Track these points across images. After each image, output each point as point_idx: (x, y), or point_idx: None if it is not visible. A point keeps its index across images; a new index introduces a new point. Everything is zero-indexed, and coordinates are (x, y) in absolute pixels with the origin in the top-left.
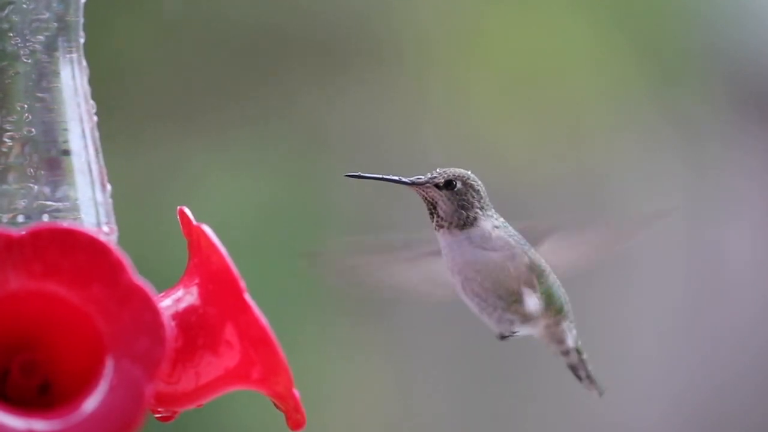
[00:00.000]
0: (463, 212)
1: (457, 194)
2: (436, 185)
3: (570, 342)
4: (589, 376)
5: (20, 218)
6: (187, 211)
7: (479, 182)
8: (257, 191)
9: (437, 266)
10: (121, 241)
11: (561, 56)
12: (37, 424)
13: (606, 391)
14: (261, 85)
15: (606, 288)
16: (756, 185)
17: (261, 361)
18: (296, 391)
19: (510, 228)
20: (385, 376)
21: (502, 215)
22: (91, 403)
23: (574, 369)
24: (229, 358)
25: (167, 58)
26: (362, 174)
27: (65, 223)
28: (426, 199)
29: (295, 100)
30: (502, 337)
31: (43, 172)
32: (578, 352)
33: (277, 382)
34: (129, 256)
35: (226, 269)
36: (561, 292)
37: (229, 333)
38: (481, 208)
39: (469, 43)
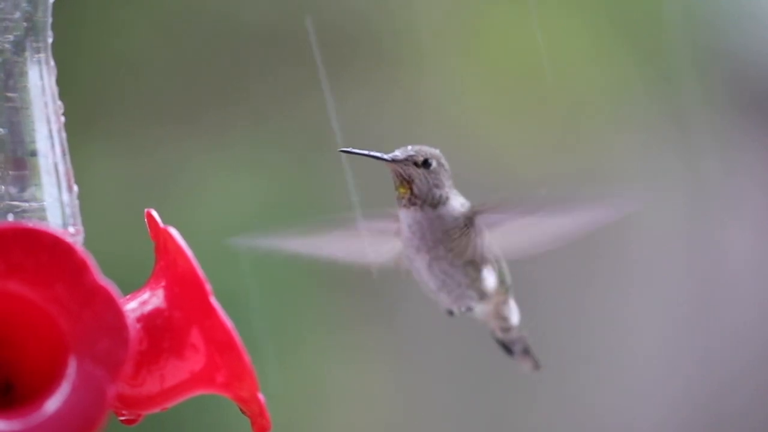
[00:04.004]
0: (437, 191)
1: (432, 173)
2: (415, 163)
3: (514, 319)
4: (526, 351)
5: None
6: (154, 213)
7: (447, 162)
8: (258, 191)
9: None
10: (120, 242)
11: (560, 56)
12: None
13: (542, 366)
14: (261, 86)
15: (606, 288)
16: (756, 185)
17: (226, 365)
18: (261, 396)
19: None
20: (386, 379)
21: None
22: (52, 404)
23: (510, 344)
24: (194, 362)
25: (167, 59)
26: (353, 150)
27: (29, 223)
28: (401, 175)
29: (295, 101)
30: (451, 313)
31: (9, 172)
32: (519, 329)
33: (242, 387)
34: (128, 257)
35: (192, 272)
36: (507, 270)
37: (195, 337)
38: (450, 187)
39: (468, 43)
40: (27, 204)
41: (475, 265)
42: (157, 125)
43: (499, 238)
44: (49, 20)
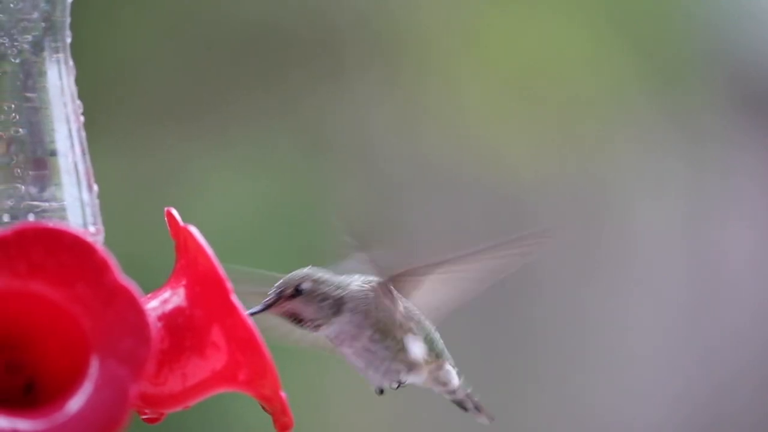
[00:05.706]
0: (326, 303)
1: (310, 294)
2: (288, 298)
3: (455, 382)
4: (477, 407)
5: (6, 218)
6: (174, 212)
7: (319, 270)
8: (259, 191)
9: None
10: (124, 241)
11: (560, 57)
12: (22, 423)
13: (494, 418)
14: (263, 85)
15: (606, 288)
16: (756, 185)
17: (247, 363)
18: (283, 394)
19: (370, 277)
20: None
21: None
22: (75, 403)
23: (461, 403)
24: (216, 360)
25: (170, 59)
26: None
27: (50, 223)
28: (285, 314)
29: (296, 100)
30: (381, 392)
31: (30, 172)
32: (464, 388)
33: (264, 385)
34: (131, 256)
35: (213, 271)
36: (437, 336)
37: (216, 335)
38: (337, 288)
39: (468, 44)
40: (47, 204)
41: (393, 336)
42: (159, 125)
43: (422, 297)
44: (68, 20)
